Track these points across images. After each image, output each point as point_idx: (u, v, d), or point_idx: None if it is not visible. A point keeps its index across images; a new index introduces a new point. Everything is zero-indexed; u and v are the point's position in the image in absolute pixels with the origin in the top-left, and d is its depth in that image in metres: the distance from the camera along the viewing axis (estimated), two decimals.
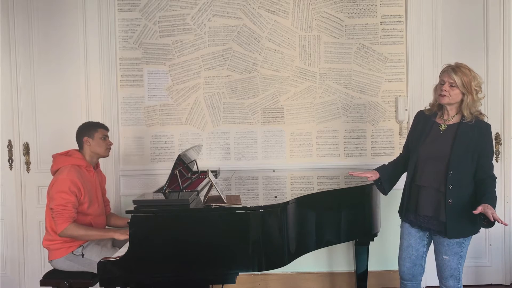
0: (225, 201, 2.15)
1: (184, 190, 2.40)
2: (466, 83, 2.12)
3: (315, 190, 2.62)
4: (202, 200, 2.23)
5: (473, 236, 2.26)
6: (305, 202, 2.32)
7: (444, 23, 3.34)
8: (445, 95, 2.16)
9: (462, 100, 2.17)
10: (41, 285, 2.56)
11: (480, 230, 2.24)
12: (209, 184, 2.35)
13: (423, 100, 3.18)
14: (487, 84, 3.34)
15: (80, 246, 2.56)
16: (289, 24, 3.37)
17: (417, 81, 3.32)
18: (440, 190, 2.19)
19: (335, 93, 3.39)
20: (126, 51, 3.36)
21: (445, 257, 2.21)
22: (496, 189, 3.32)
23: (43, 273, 2.63)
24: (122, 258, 2.04)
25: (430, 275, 3.07)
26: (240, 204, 2.16)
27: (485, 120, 2.22)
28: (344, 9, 3.37)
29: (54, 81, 3.31)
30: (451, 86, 2.15)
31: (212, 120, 3.40)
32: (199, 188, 2.48)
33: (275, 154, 3.40)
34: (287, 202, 2.20)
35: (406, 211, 2.34)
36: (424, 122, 2.32)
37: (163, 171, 3.31)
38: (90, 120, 3.00)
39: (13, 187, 3.34)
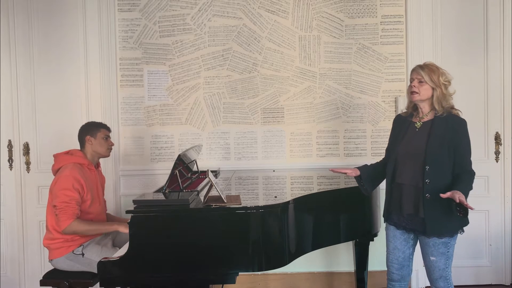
0: (225, 201, 2.15)
1: (184, 190, 2.40)
2: (434, 78, 2.19)
3: (315, 190, 2.62)
4: (202, 200, 2.23)
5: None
6: (305, 202, 2.32)
7: (444, 23, 3.34)
8: (415, 92, 2.23)
9: (433, 96, 2.22)
10: (41, 285, 2.56)
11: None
12: (209, 184, 2.35)
13: None
14: (487, 84, 3.34)
15: (80, 246, 2.56)
16: (289, 24, 3.37)
17: None
18: (418, 186, 2.20)
19: (335, 93, 3.39)
20: (126, 51, 3.36)
21: (432, 258, 2.22)
22: (496, 189, 3.38)
23: (43, 273, 2.63)
24: (122, 258, 2.04)
25: None
26: (240, 204, 2.16)
27: (460, 115, 2.25)
28: (344, 9, 3.37)
29: (54, 81, 3.31)
30: (420, 82, 2.22)
31: (212, 120, 3.40)
32: (199, 188, 2.48)
33: (275, 154, 3.41)
34: (287, 202, 2.20)
35: (389, 213, 2.36)
36: (401, 123, 2.37)
37: (163, 171, 3.31)
38: (90, 120, 3.00)
39: (13, 187, 3.34)
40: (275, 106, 3.40)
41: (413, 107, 2.33)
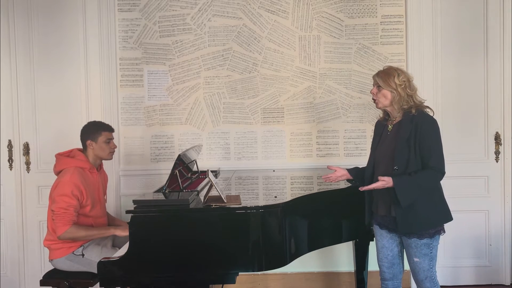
0: (225, 201, 2.15)
1: (184, 190, 2.40)
2: (389, 82, 2.22)
3: (315, 190, 2.62)
4: (202, 200, 2.23)
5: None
6: (305, 202, 2.32)
7: (444, 23, 3.34)
8: (374, 99, 2.30)
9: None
10: (41, 285, 2.56)
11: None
12: (209, 184, 2.35)
13: None
14: (487, 84, 3.34)
15: (80, 246, 2.56)
16: (289, 24, 3.37)
17: (417, 81, 3.29)
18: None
19: (335, 93, 3.39)
20: (126, 51, 3.36)
21: (415, 259, 2.24)
22: (496, 189, 3.37)
23: (43, 273, 2.63)
24: (122, 258, 2.04)
25: None
26: (240, 204, 2.16)
27: (429, 112, 2.24)
28: (344, 9, 3.37)
29: (54, 81, 3.31)
30: (378, 87, 2.28)
31: (212, 120, 3.40)
32: (199, 188, 2.47)
33: (275, 154, 3.40)
34: (287, 202, 2.20)
35: (372, 214, 2.38)
36: (379, 128, 2.41)
37: (163, 171, 3.31)
38: (90, 120, 2.99)
39: (13, 187, 3.34)
40: (275, 106, 3.40)
41: (385, 112, 2.36)
